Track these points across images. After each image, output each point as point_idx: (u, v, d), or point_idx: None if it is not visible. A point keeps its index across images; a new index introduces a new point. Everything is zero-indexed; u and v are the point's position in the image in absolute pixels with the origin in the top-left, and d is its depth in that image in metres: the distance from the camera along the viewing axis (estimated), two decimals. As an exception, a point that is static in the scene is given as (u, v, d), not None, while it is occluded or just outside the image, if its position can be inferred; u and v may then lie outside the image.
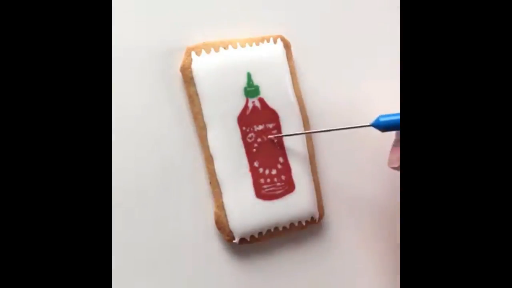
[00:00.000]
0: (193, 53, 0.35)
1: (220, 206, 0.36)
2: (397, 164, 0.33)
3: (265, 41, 0.37)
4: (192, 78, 0.35)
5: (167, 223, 0.36)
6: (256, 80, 0.36)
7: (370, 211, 0.40)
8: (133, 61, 0.35)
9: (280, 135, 0.36)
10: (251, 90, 0.36)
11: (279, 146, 0.36)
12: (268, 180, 0.36)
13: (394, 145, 0.35)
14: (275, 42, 0.37)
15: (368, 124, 0.33)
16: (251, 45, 0.36)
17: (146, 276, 0.35)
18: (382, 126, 0.33)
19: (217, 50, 0.36)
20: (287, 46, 0.37)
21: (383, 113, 0.34)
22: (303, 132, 0.37)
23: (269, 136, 0.36)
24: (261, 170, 0.36)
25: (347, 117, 0.40)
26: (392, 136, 0.36)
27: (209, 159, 0.36)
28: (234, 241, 0.36)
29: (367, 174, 0.40)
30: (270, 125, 0.36)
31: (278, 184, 0.36)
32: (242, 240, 0.36)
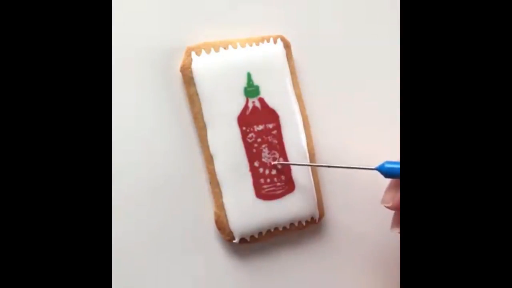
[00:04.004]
0: (193, 53, 0.35)
1: (220, 206, 0.36)
2: (390, 203, 0.33)
3: (265, 41, 0.37)
4: (192, 78, 0.35)
5: (167, 223, 0.36)
6: (256, 80, 0.36)
7: (370, 211, 0.40)
8: (133, 61, 0.35)
9: (287, 163, 0.36)
10: (251, 90, 0.36)
11: (279, 146, 0.36)
12: (268, 180, 0.36)
13: (390, 185, 0.34)
14: (275, 42, 0.37)
15: (373, 168, 0.33)
16: (251, 45, 0.36)
17: (146, 275, 0.35)
18: (386, 172, 0.33)
19: (217, 50, 0.36)
20: (287, 46, 0.37)
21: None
22: (308, 164, 0.37)
23: (273, 163, 0.36)
24: (261, 170, 0.36)
25: (348, 117, 0.40)
26: None
27: (209, 159, 0.36)
28: (234, 241, 0.36)
29: (367, 174, 0.40)
30: (270, 125, 0.36)
31: (278, 184, 0.36)
32: (242, 240, 0.36)
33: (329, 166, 0.37)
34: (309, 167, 0.37)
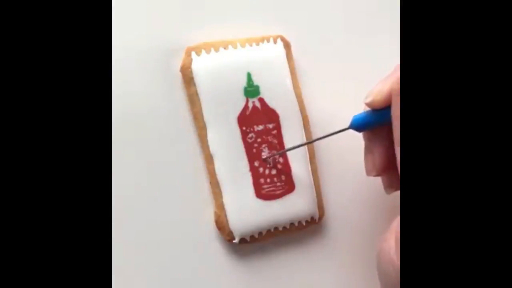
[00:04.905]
0: (193, 53, 0.35)
1: (220, 206, 0.36)
2: (374, 172, 0.33)
3: (265, 41, 0.37)
4: (192, 78, 0.35)
5: (167, 223, 0.36)
6: (256, 80, 0.36)
7: (370, 211, 0.40)
8: (133, 61, 0.35)
9: (280, 151, 0.36)
10: (251, 90, 0.36)
11: (279, 146, 0.36)
12: (268, 180, 0.36)
13: (365, 153, 0.34)
14: (275, 42, 0.37)
15: (346, 128, 0.33)
16: (251, 45, 0.36)
17: (146, 276, 0.35)
18: (358, 126, 0.33)
19: (217, 50, 0.36)
20: (287, 46, 0.37)
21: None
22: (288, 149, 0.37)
23: (274, 152, 0.36)
24: (261, 170, 0.36)
25: (348, 118, 0.39)
26: None
27: (209, 159, 0.36)
28: (234, 241, 0.36)
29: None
30: (270, 125, 0.36)
31: (278, 184, 0.36)
32: (242, 240, 0.36)
33: (313, 141, 0.37)
34: (309, 166, 0.37)
